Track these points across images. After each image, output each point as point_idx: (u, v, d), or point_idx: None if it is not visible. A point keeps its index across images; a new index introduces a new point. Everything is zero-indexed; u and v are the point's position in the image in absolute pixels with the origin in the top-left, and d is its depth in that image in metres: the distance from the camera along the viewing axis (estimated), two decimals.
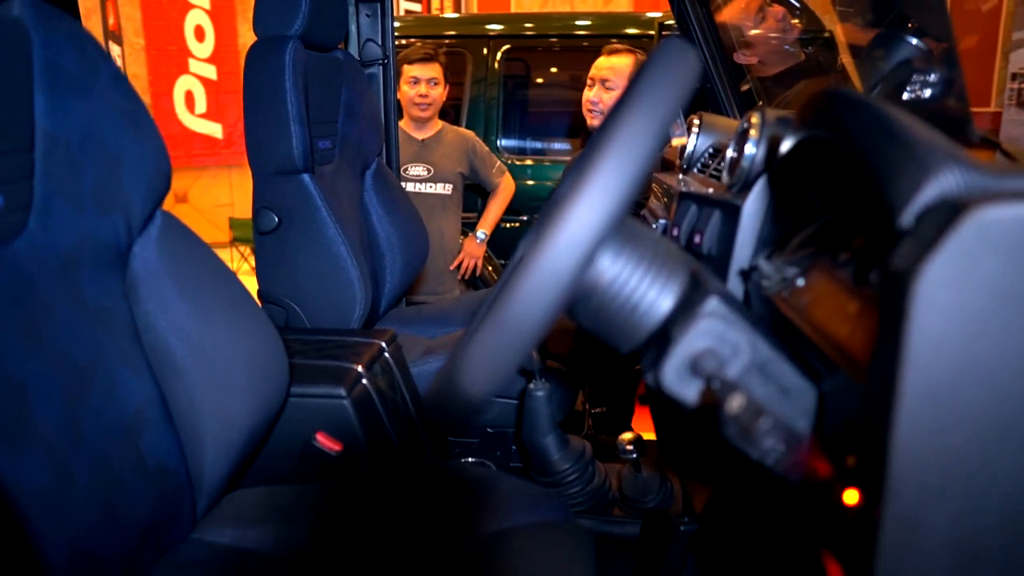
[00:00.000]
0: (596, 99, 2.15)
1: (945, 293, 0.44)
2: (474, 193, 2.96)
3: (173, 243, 0.98)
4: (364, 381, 1.22)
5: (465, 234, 2.83)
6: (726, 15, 1.93)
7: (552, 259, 0.48)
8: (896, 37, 1.26)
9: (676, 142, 1.39)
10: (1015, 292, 0.44)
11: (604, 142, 0.48)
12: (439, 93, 2.53)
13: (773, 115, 0.88)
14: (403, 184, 2.52)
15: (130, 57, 7.21)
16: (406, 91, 2.48)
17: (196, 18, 7.06)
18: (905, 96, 1.07)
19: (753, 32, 1.91)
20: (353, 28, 1.92)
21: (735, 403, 0.50)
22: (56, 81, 0.85)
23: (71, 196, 0.86)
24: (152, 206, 0.96)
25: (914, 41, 1.24)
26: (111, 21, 6.98)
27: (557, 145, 3.54)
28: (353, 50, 1.94)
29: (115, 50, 7.01)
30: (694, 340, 0.57)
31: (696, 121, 1.31)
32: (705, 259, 0.91)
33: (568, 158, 3.27)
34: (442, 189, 2.61)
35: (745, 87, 1.91)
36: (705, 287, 0.61)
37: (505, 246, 3.27)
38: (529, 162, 3.38)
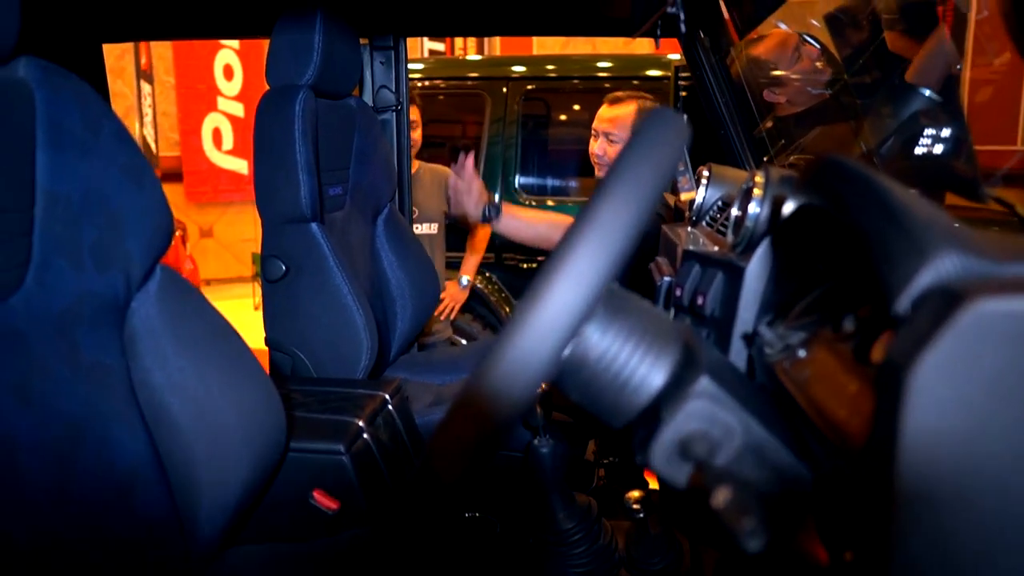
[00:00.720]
0: (600, 152, 2.12)
1: (942, 387, 0.42)
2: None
3: (172, 298, 0.98)
4: (365, 435, 1.20)
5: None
6: (760, 51, 1.92)
7: (520, 353, 0.46)
8: (906, 89, 1.24)
9: (685, 196, 1.37)
10: (1015, 387, 0.41)
11: (582, 226, 0.47)
12: (417, 135, 2.54)
13: (777, 174, 0.86)
14: None
15: (160, 95, 7.40)
16: None
17: (225, 57, 7.23)
18: (917, 151, 1.05)
19: (785, 72, 1.90)
20: (367, 74, 1.94)
21: (720, 497, 0.47)
22: (59, 139, 0.86)
23: (70, 253, 0.87)
24: (152, 261, 0.96)
25: (927, 93, 1.22)
26: (143, 61, 7.17)
27: (574, 184, 3.54)
28: (368, 96, 1.96)
29: (146, 88, 7.19)
30: (684, 422, 0.55)
31: (705, 173, 1.29)
32: (708, 321, 0.88)
33: (586, 199, 3.26)
34: (428, 229, 2.61)
35: (762, 129, 1.89)
36: (697, 363, 0.59)
37: (524, 287, 3.24)
38: (550, 203, 3.38)
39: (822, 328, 0.69)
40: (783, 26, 1.93)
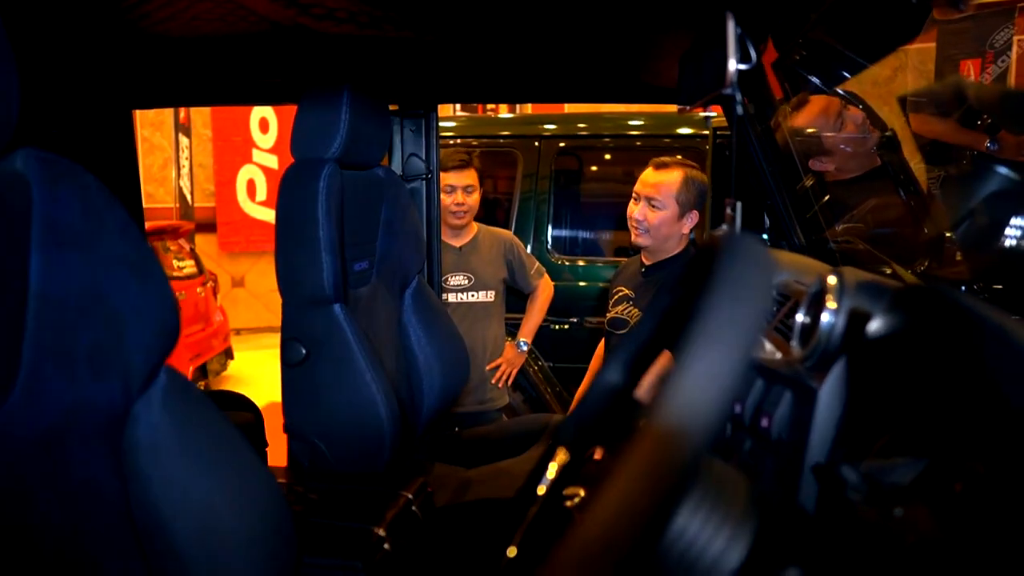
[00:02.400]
0: (641, 217, 2.00)
1: None
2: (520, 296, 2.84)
3: (178, 404, 0.89)
4: (386, 546, 1.10)
5: (511, 334, 2.70)
6: (801, 120, 1.83)
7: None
8: (984, 165, 1.14)
9: None
10: None
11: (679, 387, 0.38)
12: (475, 199, 2.43)
13: (853, 278, 0.75)
14: (444, 295, 2.39)
15: (197, 148, 7.54)
16: (442, 199, 2.33)
17: (262, 111, 7.35)
18: (1006, 243, 0.93)
19: (829, 138, 1.81)
20: (397, 141, 1.88)
21: None
22: (56, 236, 0.79)
23: (63, 360, 0.79)
24: (155, 364, 0.88)
25: (1003, 171, 1.11)
26: (182, 115, 7.32)
27: (607, 238, 3.48)
28: (396, 164, 1.90)
29: (184, 141, 7.33)
30: None
31: None
32: (773, 446, 0.77)
33: (618, 259, 3.16)
34: (485, 297, 2.49)
35: (804, 187, 1.79)
36: (781, 542, 0.48)
37: (554, 349, 3.16)
38: (581, 262, 3.31)
39: (923, 483, 0.58)
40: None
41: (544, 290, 2.67)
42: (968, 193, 1.13)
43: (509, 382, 2.57)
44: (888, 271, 1.53)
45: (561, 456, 0.68)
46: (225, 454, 0.92)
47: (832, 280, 0.76)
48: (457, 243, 2.47)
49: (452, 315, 2.40)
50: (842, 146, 1.92)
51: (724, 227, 0.82)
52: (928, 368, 0.62)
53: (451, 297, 2.45)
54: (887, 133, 1.97)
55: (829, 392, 0.71)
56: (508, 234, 2.66)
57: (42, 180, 0.78)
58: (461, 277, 2.45)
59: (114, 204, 0.86)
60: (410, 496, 1.22)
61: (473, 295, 2.46)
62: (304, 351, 1.37)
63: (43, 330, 0.77)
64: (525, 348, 2.60)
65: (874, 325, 0.66)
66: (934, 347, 0.58)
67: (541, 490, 0.63)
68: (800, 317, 0.81)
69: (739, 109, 1.17)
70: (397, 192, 1.67)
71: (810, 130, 1.91)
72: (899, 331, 0.63)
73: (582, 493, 0.79)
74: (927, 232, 1.34)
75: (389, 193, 1.64)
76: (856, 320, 0.70)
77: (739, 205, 0.86)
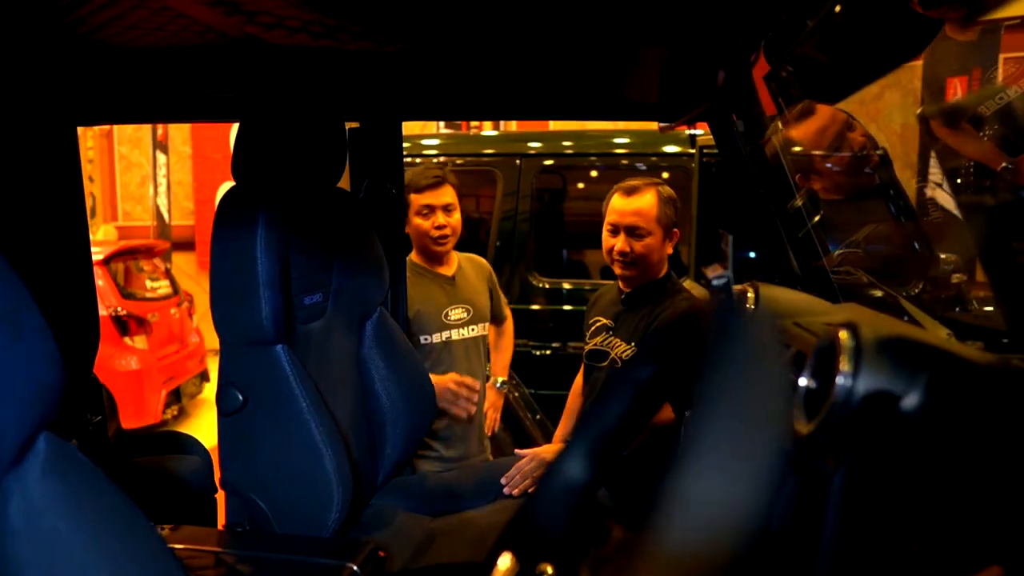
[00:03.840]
0: (626, 248, 1.83)
1: None
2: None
3: (60, 478, 0.73)
4: None
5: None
6: (799, 132, 1.71)
7: None
8: (1015, 190, 1.01)
9: None
10: None
11: None
12: (457, 220, 2.08)
13: (872, 334, 0.61)
14: (447, 332, 2.12)
15: (176, 165, 7.40)
16: (420, 224, 2.04)
17: None
18: None
19: (826, 160, 1.69)
20: (357, 161, 1.74)
21: None
22: None
23: None
24: (31, 430, 0.72)
25: None
26: (160, 132, 7.19)
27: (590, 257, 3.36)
28: (357, 185, 1.76)
29: (161, 159, 7.19)
30: None
31: (750, 294, 1.04)
32: (775, 545, 0.63)
33: (605, 281, 3.03)
34: (482, 330, 2.22)
35: (795, 205, 1.67)
36: None
37: (536, 375, 3.03)
38: (566, 285, 3.20)
39: None
40: None
41: (511, 321, 2.45)
42: (998, 219, 1.00)
43: (495, 428, 2.35)
44: (879, 294, 1.40)
45: (503, 570, 0.54)
46: (118, 534, 0.76)
47: (844, 335, 0.62)
48: (447, 271, 2.17)
49: (453, 353, 2.11)
50: (837, 167, 1.81)
51: (716, 266, 0.67)
52: (981, 454, 0.49)
53: (455, 334, 2.14)
54: (878, 151, 1.86)
55: (848, 478, 0.57)
56: (482, 259, 2.40)
57: None
58: (461, 310, 2.15)
59: None
60: (355, 568, 1.06)
61: (473, 329, 2.18)
62: (241, 398, 1.22)
63: None
64: (504, 386, 2.39)
65: (911, 400, 0.52)
66: (989, 434, 0.44)
67: None
68: (804, 380, 0.67)
69: (739, 127, 1.03)
70: (356, 217, 1.52)
71: (810, 143, 1.80)
72: (940, 416, 0.49)
73: (550, 571, 0.66)
74: (925, 255, 1.22)
75: (347, 218, 1.49)
76: (880, 394, 0.56)
77: (731, 239, 0.72)
